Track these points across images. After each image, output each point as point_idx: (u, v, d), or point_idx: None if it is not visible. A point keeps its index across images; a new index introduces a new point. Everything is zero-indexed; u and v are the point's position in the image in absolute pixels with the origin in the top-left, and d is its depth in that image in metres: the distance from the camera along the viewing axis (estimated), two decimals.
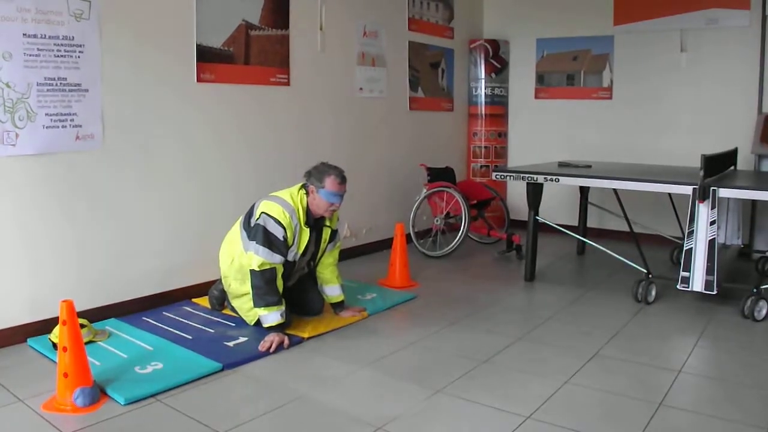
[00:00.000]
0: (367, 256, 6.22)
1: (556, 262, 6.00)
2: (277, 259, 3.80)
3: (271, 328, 3.77)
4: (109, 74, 4.06)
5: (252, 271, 3.78)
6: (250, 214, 3.98)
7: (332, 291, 4.28)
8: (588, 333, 4.04)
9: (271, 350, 3.65)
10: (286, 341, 3.74)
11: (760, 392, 3.17)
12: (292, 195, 3.95)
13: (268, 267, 3.77)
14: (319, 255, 4.18)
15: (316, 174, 3.94)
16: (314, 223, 4.02)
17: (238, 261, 3.94)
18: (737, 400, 3.09)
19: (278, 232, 3.79)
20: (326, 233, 4.12)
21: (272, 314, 3.78)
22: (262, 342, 3.70)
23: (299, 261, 4.02)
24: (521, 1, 7.59)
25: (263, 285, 3.76)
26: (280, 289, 3.86)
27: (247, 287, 3.88)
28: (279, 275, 3.84)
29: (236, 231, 4.06)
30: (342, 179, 3.96)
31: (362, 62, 6.11)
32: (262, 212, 3.85)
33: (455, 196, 6.04)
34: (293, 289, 4.19)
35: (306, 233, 3.93)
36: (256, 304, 3.80)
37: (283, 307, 3.82)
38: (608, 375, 3.39)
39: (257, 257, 3.75)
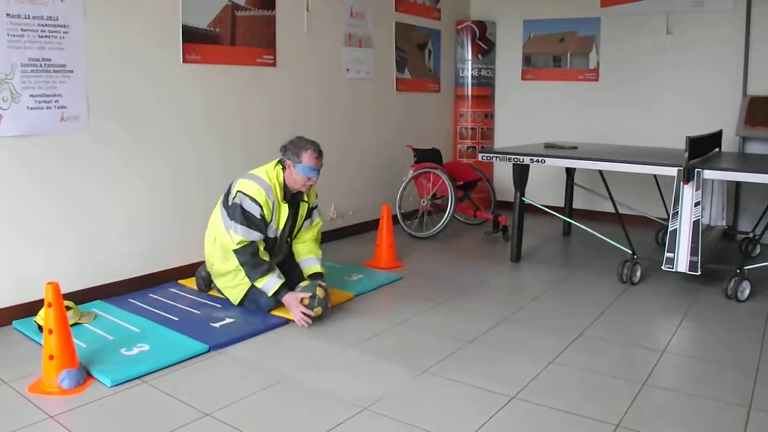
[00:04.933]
0: (354, 237, 6.23)
1: (542, 243, 6.03)
2: (256, 236, 3.82)
3: (277, 293, 3.80)
4: (94, 55, 4.02)
5: (235, 251, 3.80)
6: (228, 193, 3.97)
7: (307, 263, 4.18)
8: (573, 313, 4.07)
9: (310, 322, 3.74)
10: (305, 301, 3.77)
11: (743, 371, 3.21)
12: (268, 172, 3.94)
13: (247, 244, 3.79)
14: (296, 230, 4.17)
15: (292, 149, 3.92)
16: (291, 198, 4.01)
17: (220, 239, 3.95)
18: (720, 379, 3.13)
19: (255, 210, 3.80)
20: (303, 209, 4.11)
21: (271, 279, 3.81)
22: (295, 321, 3.77)
23: (280, 237, 4.02)
24: None
25: (249, 259, 3.80)
26: (266, 258, 3.88)
27: (230, 265, 3.91)
28: (261, 248, 3.87)
29: (218, 210, 4.06)
30: (319, 153, 3.94)
31: (349, 43, 6.07)
32: (238, 191, 3.85)
33: (442, 177, 6.04)
34: (278, 268, 4.18)
35: (285, 209, 3.94)
36: (252, 278, 3.83)
37: (276, 269, 3.86)
38: (593, 355, 3.42)
39: (236, 236, 3.78)
